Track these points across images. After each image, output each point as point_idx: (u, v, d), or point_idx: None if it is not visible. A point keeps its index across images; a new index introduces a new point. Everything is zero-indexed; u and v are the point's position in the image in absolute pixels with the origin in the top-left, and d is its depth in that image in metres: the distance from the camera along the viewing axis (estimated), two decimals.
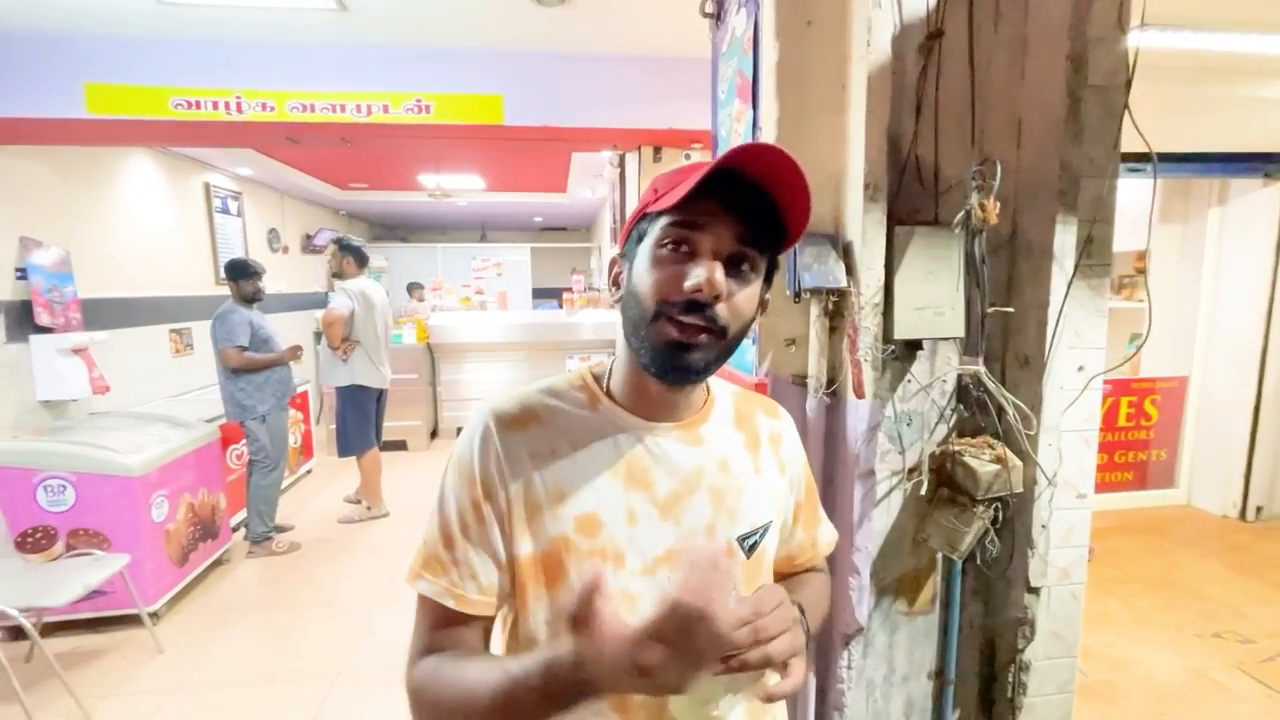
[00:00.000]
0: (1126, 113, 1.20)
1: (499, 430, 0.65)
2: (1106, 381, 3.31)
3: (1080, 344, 1.34)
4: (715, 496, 0.68)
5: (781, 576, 0.82)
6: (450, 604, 0.63)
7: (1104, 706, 2.13)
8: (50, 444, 2.74)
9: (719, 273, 0.58)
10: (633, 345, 0.64)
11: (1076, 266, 1.27)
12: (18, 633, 2.17)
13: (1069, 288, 1.27)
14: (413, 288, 7.46)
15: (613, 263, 0.70)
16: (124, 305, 3.86)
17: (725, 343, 0.61)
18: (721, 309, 0.59)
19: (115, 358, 3.57)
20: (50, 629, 2.63)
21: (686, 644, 0.47)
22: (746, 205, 0.59)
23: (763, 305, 0.67)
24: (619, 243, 0.70)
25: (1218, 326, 3.66)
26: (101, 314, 3.57)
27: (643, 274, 0.62)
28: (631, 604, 0.63)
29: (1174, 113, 2.84)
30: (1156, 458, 3.80)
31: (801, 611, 0.60)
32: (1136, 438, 3.76)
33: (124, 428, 3.07)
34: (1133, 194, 1.72)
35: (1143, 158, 1.28)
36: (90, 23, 2.48)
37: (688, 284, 0.58)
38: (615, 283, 0.68)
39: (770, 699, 0.52)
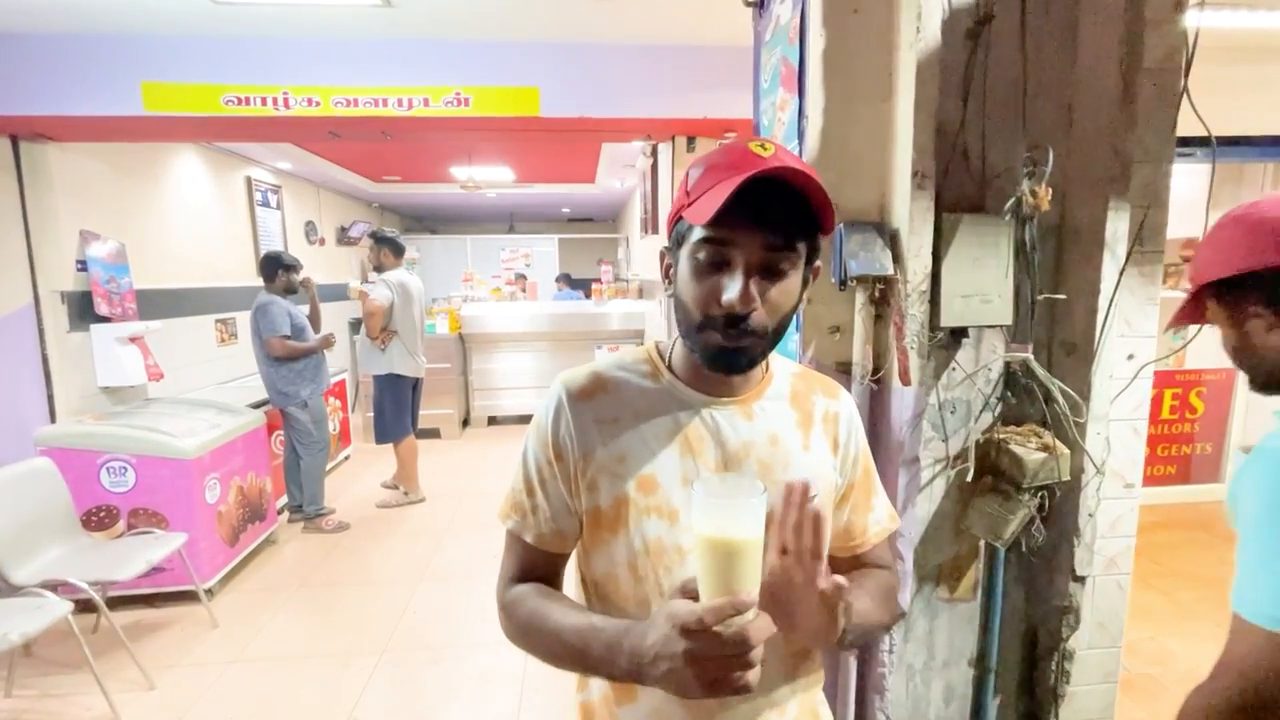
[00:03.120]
0: (1186, 96, 1.18)
1: (569, 401, 0.73)
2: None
3: (1131, 332, 1.33)
4: (763, 469, 0.72)
5: (835, 563, 0.82)
6: (530, 540, 0.75)
7: (1146, 700, 2.11)
8: (112, 427, 2.88)
9: (751, 287, 0.63)
10: (687, 343, 0.70)
11: (1129, 254, 1.26)
12: (86, 605, 2.29)
13: (1121, 275, 1.26)
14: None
15: (662, 256, 0.75)
16: (174, 296, 4.01)
17: (769, 338, 0.67)
18: (758, 315, 0.64)
19: (166, 346, 3.72)
20: (113, 603, 2.77)
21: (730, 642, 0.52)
22: (772, 211, 0.62)
23: (806, 283, 0.70)
24: (667, 234, 0.74)
25: None
26: (154, 304, 3.72)
27: (685, 284, 0.67)
28: (682, 557, 0.69)
29: (1226, 95, 2.74)
30: (1201, 451, 3.70)
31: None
32: (1181, 430, 3.67)
33: (177, 413, 3.20)
34: (1180, 179, 1.68)
35: (1193, 142, 1.26)
36: (147, 23, 2.57)
37: (724, 300, 0.63)
38: (666, 275, 0.73)
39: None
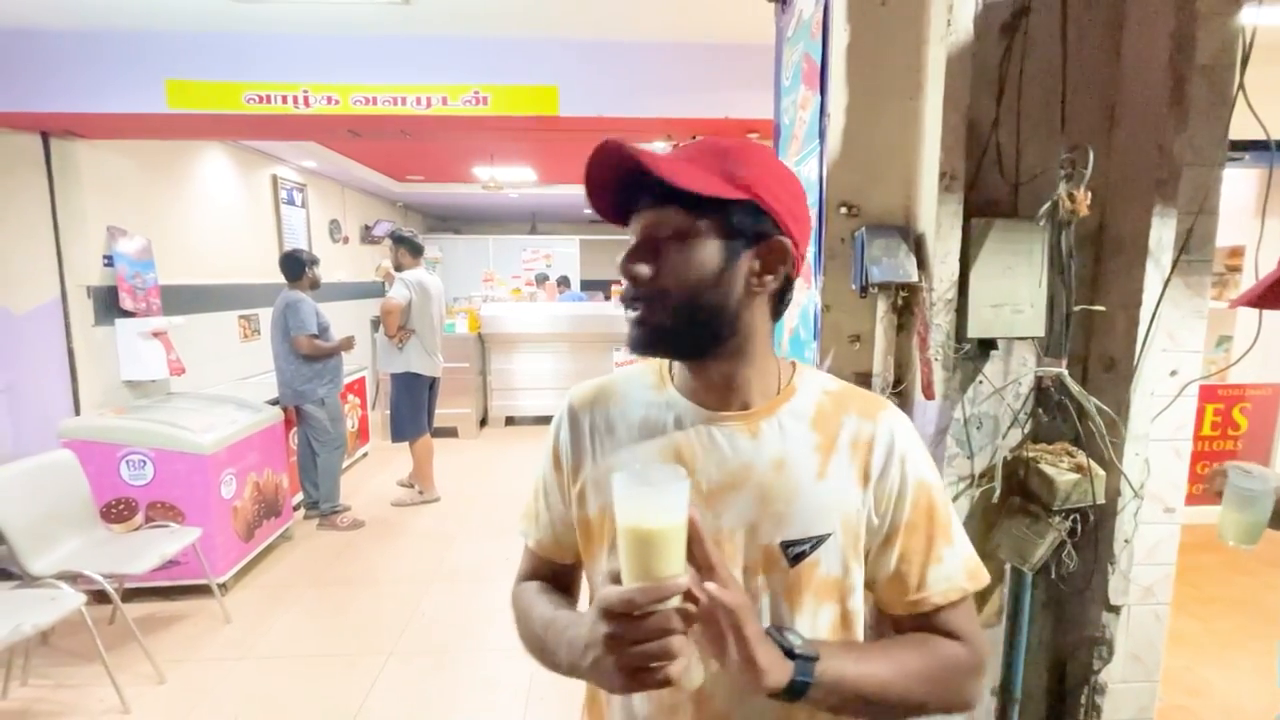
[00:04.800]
0: (1241, 94, 1.09)
1: (571, 411, 0.75)
2: None
3: (1174, 347, 1.24)
4: (762, 496, 0.65)
5: (896, 621, 0.70)
6: (531, 546, 0.79)
7: None
8: (133, 421, 2.91)
9: (631, 258, 0.64)
10: None
11: (1174, 263, 1.17)
12: (101, 597, 2.31)
13: (1165, 286, 1.18)
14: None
15: None
16: (198, 291, 4.07)
17: (667, 310, 0.63)
18: (636, 277, 0.64)
19: (190, 341, 3.77)
20: (129, 595, 2.80)
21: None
22: (632, 193, 0.64)
23: (760, 263, 0.64)
24: None
25: None
26: (178, 299, 3.77)
27: None
28: None
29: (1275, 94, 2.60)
30: None
31: (791, 652, 0.58)
32: (1223, 448, 3.50)
33: (197, 408, 3.24)
34: (1228, 185, 1.58)
35: (1243, 145, 1.17)
36: (170, 21, 2.60)
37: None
38: None
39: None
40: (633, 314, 0.65)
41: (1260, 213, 3.28)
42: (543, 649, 0.67)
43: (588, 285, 9.08)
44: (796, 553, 0.64)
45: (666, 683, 0.51)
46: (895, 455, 0.67)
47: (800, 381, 0.70)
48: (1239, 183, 3.41)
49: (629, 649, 0.51)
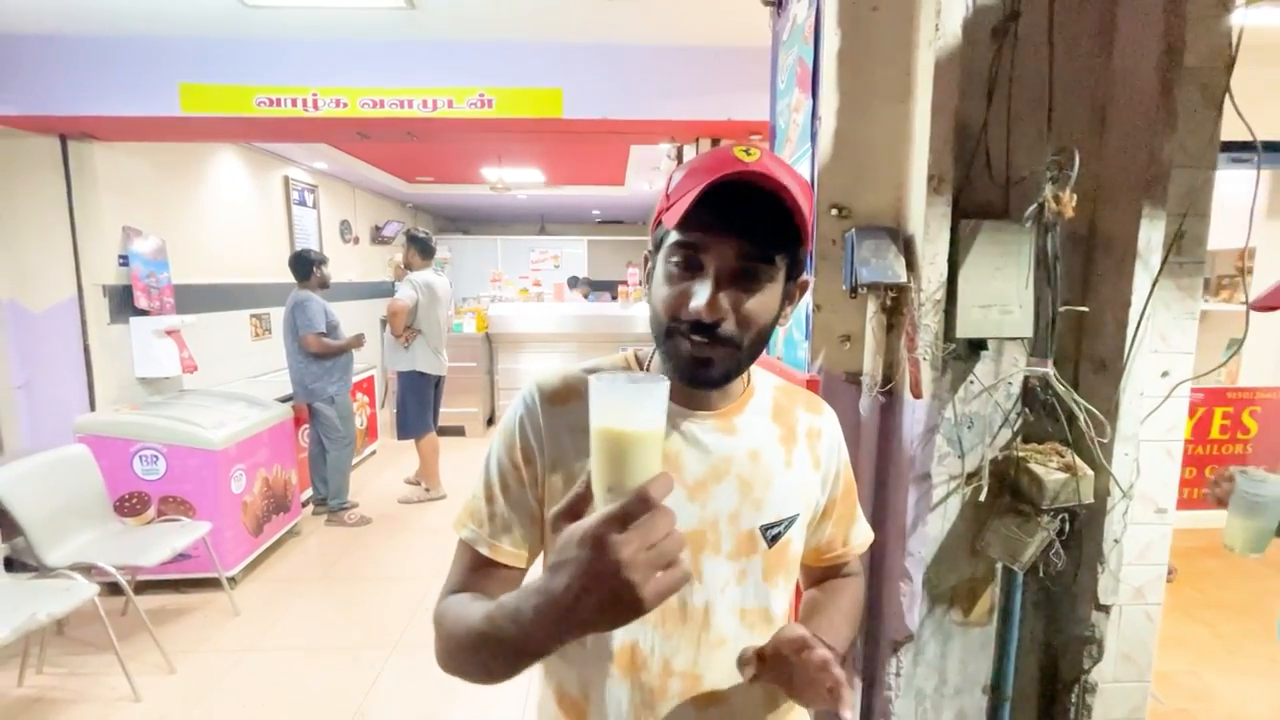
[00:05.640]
0: (1228, 97, 1.10)
1: (542, 404, 0.70)
2: (1199, 390, 3.03)
3: (1165, 348, 1.25)
4: (743, 485, 0.70)
5: (809, 571, 0.84)
6: (484, 551, 0.69)
7: None
8: (146, 417, 2.98)
9: (720, 296, 0.60)
10: (660, 351, 0.68)
11: (1163, 264, 1.18)
12: (114, 588, 2.37)
13: (1154, 287, 1.18)
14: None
15: (645, 259, 0.72)
16: (211, 291, 4.14)
17: (742, 352, 0.64)
18: (728, 325, 0.61)
19: (202, 340, 3.84)
20: (141, 587, 2.87)
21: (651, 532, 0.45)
22: (745, 216, 0.59)
23: (789, 298, 0.67)
24: (650, 237, 0.72)
25: None
26: (191, 299, 3.85)
27: (658, 287, 0.65)
28: None
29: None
30: None
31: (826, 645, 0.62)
32: (1232, 452, 3.46)
33: (208, 405, 3.30)
34: (1237, 186, 1.58)
35: (1247, 146, 1.18)
36: (183, 26, 2.66)
37: (691, 306, 0.61)
38: (649, 278, 0.71)
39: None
40: (703, 352, 0.62)
41: (1260, 215, 3.25)
42: (482, 644, 0.56)
43: (595, 286, 9.12)
44: (774, 534, 0.70)
45: (688, 575, 0.47)
46: (836, 443, 0.79)
47: (755, 379, 0.76)
48: (1249, 184, 3.38)
49: (644, 558, 0.44)
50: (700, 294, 0.60)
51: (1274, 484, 0.79)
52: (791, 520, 0.72)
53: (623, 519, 0.44)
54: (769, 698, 0.71)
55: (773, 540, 0.70)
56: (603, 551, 0.44)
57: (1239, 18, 1.12)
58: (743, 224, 0.59)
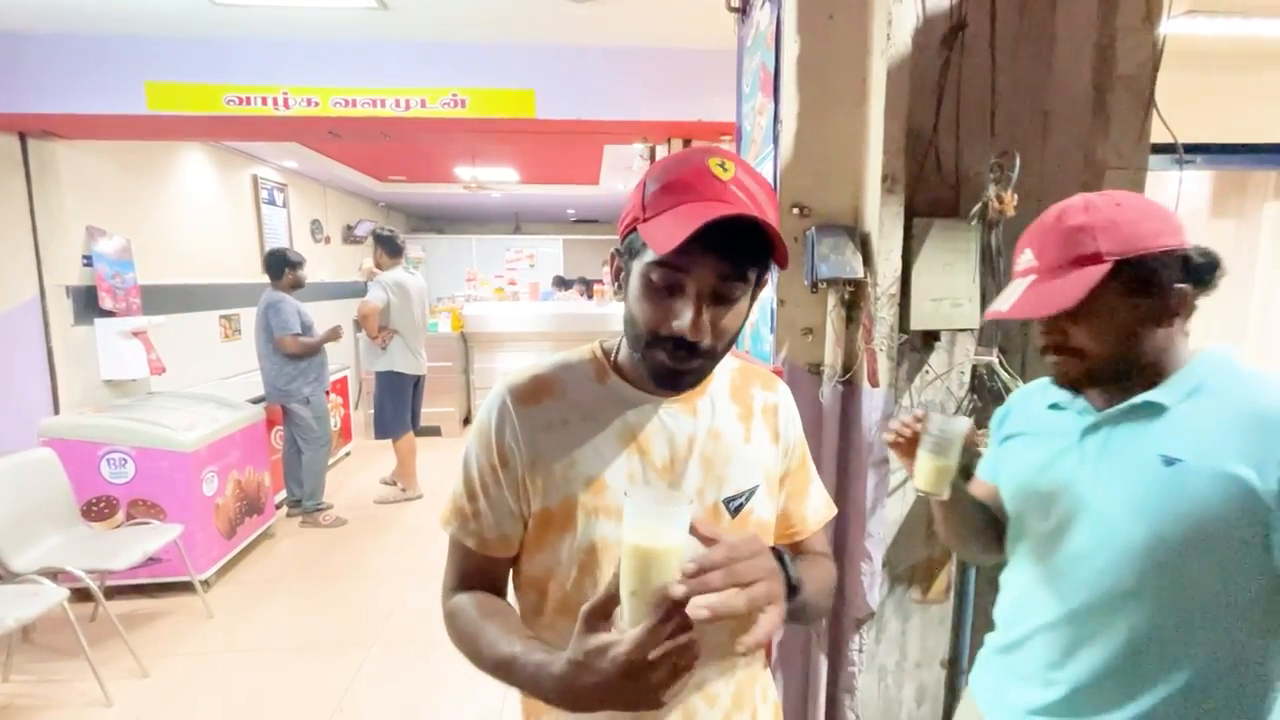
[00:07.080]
0: (1153, 104, 1.19)
1: (514, 404, 0.73)
2: None
3: None
4: (705, 463, 0.74)
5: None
6: (472, 545, 0.75)
7: None
8: (113, 420, 2.93)
9: (704, 315, 0.64)
10: (634, 353, 0.71)
11: None
12: (84, 594, 2.34)
13: None
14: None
15: (612, 257, 0.74)
16: (179, 291, 4.07)
17: (715, 358, 0.69)
18: (706, 340, 0.65)
19: (170, 341, 3.78)
20: (111, 592, 2.81)
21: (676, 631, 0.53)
22: (727, 244, 0.61)
23: (753, 300, 0.71)
24: (620, 237, 0.72)
25: (1271, 328, 3.50)
26: (159, 299, 3.78)
27: (636, 301, 0.67)
28: None
29: (1225, 101, 2.73)
30: None
31: (782, 562, 0.62)
32: None
33: (178, 407, 3.25)
34: (1188, 186, 1.67)
35: (1197, 149, 1.26)
36: (149, 24, 2.62)
37: (674, 326, 0.64)
38: (616, 277, 0.73)
39: (745, 650, 0.54)
40: (683, 364, 0.66)
41: (1199, 214, 3.41)
42: (501, 673, 0.66)
43: (565, 285, 9.12)
44: (736, 505, 0.75)
45: (696, 657, 0.55)
46: (792, 417, 0.84)
47: None
48: (1202, 184, 3.55)
49: (664, 675, 0.53)
50: (684, 315, 0.63)
51: (960, 422, 0.87)
52: (752, 491, 0.76)
53: (647, 646, 0.52)
54: (731, 658, 0.74)
55: (735, 510, 0.75)
56: (634, 679, 0.53)
57: (1163, 27, 1.21)
58: (723, 249, 0.61)
